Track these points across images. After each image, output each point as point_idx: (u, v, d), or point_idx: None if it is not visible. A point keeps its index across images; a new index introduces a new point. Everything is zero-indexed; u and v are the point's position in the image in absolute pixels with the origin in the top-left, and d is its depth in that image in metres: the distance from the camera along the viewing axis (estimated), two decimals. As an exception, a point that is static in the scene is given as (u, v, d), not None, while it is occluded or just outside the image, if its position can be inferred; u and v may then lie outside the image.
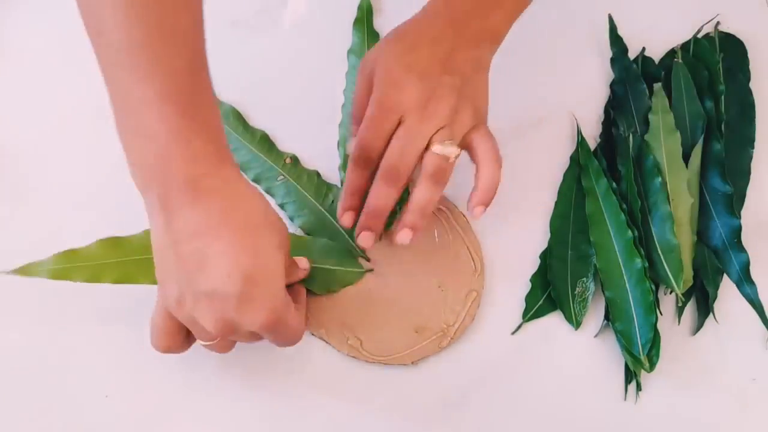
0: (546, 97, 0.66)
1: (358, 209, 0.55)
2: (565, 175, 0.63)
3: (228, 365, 0.57)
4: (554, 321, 0.59)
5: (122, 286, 0.55)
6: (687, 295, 0.59)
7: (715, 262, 0.59)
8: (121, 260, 0.54)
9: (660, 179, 0.59)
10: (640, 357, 0.56)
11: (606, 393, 0.57)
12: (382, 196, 0.53)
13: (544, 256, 0.60)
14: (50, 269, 0.54)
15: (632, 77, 0.65)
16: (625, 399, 0.57)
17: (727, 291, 0.59)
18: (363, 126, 0.52)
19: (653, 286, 0.57)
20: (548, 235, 0.61)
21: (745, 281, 0.58)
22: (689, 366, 0.58)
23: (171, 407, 0.56)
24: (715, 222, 0.60)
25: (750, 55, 0.67)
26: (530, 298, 0.59)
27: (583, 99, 0.66)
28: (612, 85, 0.66)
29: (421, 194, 0.53)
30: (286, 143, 0.63)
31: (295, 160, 0.62)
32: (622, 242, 0.58)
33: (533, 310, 0.59)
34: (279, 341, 0.50)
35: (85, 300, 0.58)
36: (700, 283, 0.60)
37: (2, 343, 0.57)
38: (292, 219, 0.60)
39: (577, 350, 0.58)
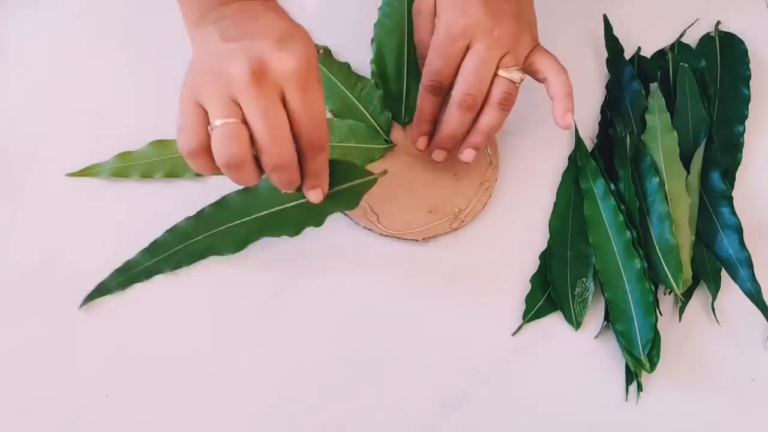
0: (544, 97, 0.66)
1: (431, 133, 0.60)
2: (564, 175, 0.63)
3: (225, 365, 0.57)
4: (554, 322, 0.59)
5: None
6: (687, 294, 0.59)
7: (715, 262, 0.59)
8: (168, 158, 0.61)
9: (657, 179, 0.59)
10: (640, 357, 0.55)
11: (607, 394, 0.57)
12: (457, 123, 0.56)
13: (544, 256, 0.60)
14: (111, 168, 0.61)
15: (628, 77, 0.65)
16: (627, 399, 0.57)
17: (727, 291, 0.59)
18: (432, 54, 0.55)
19: (653, 287, 0.57)
20: (547, 236, 0.61)
21: (748, 281, 0.58)
22: (690, 366, 0.58)
23: (171, 407, 0.56)
24: (715, 223, 0.60)
25: (750, 55, 0.67)
26: (530, 299, 0.59)
27: (579, 100, 0.65)
28: (608, 86, 0.66)
29: (489, 118, 0.56)
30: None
31: (327, 51, 0.66)
32: (620, 243, 0.58)
33: (533, 311, 0.58)
34: (306, 112, 0.46)
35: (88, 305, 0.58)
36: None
37: (2, 343, 0.57)
38: None
39: (577, 351, 0.58)
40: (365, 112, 0.64)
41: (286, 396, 0.56)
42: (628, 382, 0.57)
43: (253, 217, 0.57)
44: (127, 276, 0.57)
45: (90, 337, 0.57)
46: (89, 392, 0.55)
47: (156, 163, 0.61)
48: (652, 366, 0.55)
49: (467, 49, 0.54)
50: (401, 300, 0.59)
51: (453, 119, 0.56)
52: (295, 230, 0.56)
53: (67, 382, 0.56)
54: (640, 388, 0.57)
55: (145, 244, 0.58)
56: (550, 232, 0.61)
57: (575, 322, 0.58)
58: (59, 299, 0.57)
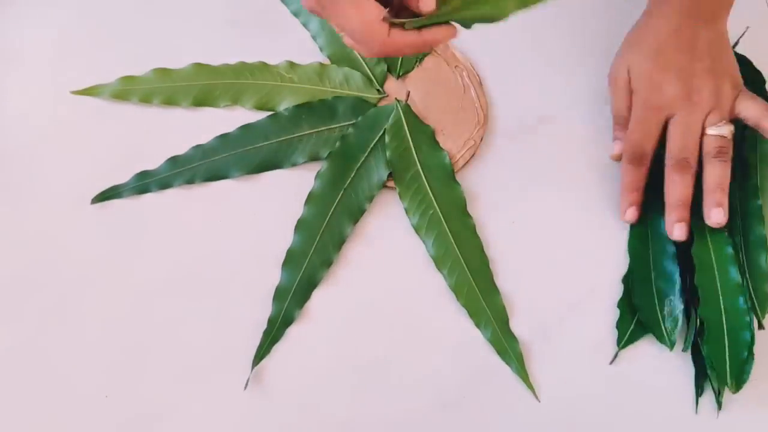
0: (550, 96, 0.66)
1: (639, 203, 0.60)
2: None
3: (226, 366, 0.56)
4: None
5: (118, 283, 0.59)
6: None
7: None
8: (168, 85, 0.64)
9: (759, 202, 0.59)
10: (726, 378, 0.55)
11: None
12: (679, 185, 0.58)
13: (626, 280, 0.59)
14: (113, 90, 0.64)
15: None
16: (697, 412, 0.57)
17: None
18: (632, 128, 0.59)
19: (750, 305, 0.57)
20: (626, 259, 0.60)
21: None
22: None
23: (171, 407, 0.56)
24: None
25: (750, 55, 0.66)
26: (621, 325, 0.58)
27: (581, 99, 0.66)
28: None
29: (712, 173, 0.57)
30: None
31: None
32: (721, 258, 0.58)
33: (626, 336, 0.58)
34: None
35: (85, 300, 0.58)
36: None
37: (2, 343, 0.57)
38: (321, 49, 0.67)
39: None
40: (362, 61, 0.66)
41: (284, 395, 0.56)
42: (698, 394, 0.57)
43: (273, 141, 0.62)
44: (143, 183, 0.61)
45: (90, 337, 0.57)
46: (89, 392, 0.56)
47: (156, 89, 0.63)
48: (738, 386, 0.55)
49: (667, 119, 0.57)
50: (401, 300, 0.59)
51: (674, 182, 0.58)
52: (310, 157, 0.62)
53: (67, 382, 0.56)
54: (719, 406, 0.56)
55: (137, 168, 0.61)
56: (629, 254, 0.60)
57: (668, 341, 0.57)
58: (60, 295, 0.58)
